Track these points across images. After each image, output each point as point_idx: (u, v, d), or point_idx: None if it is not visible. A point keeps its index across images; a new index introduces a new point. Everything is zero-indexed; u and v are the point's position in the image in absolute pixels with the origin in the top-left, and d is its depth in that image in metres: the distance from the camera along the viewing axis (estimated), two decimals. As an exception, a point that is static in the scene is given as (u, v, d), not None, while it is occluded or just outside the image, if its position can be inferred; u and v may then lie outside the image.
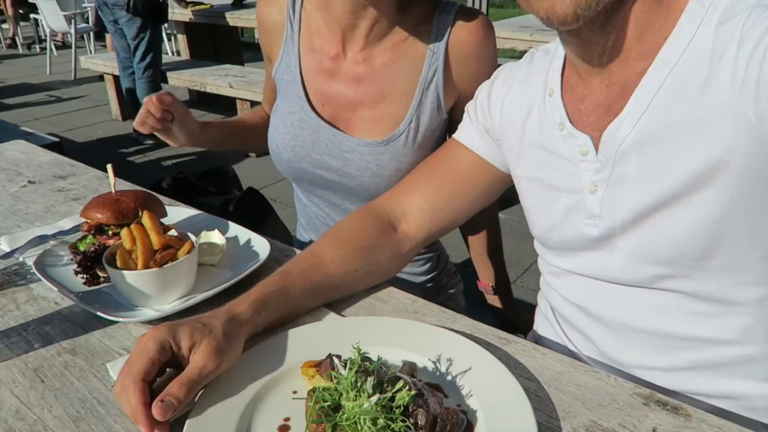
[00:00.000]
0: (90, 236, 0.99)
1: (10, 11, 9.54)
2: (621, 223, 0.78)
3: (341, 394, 0.62)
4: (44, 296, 0.94)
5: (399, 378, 0.64)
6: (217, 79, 4.55)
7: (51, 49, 8.09)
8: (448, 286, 1.37)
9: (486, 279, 1.40)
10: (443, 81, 1.12)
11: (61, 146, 3.27)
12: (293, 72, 1.20)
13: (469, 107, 1.03)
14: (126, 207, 0.98)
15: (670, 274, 0.77)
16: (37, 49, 9.64)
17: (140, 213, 0.94)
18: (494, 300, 1.41)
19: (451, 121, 1.16)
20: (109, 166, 1.04)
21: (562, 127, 0.83)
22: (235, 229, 1.10)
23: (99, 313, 0.84)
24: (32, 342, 0.83)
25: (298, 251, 1.00)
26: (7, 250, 1.06)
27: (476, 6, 5.52)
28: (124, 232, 0.89)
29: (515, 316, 1.41)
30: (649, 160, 0.74)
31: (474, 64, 1.12)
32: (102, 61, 5.56)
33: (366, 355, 0.67)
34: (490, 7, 6.43)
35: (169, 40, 7.70)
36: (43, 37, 8.98)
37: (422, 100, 1.13)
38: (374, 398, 0.60)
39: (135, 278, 0.85)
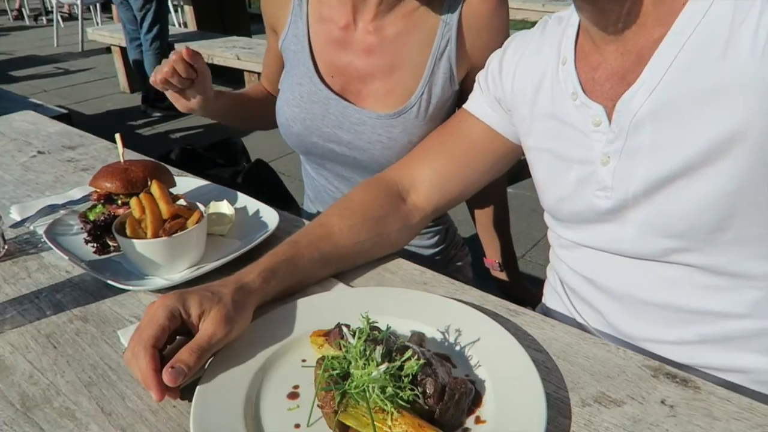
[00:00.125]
0: (99, 205, 0.99)
1: (16, -18, 9.48)
2: (633, 195, 0.77)
3: (350, 363, 0.62)
4: (55, 264, 0.94)
5: (408, 347, 0.64)
6: (224, 51, 4.51)
7: (58, 21, 8.05)
8: (456, 258, 1.37)
9: (492, 255, 1.39)
10: (456, 51, 1.10)
11: (70, 118, 3.26)
12: (301, 42, 1.18)
13: (479, 77, 1.02)
14: (135, 176, 0.98)
15: (682, 247, 0.76)
16: (44, 21, 9.58)
17: (149, 182, 0.94)
18: (501, 276, 1.41)
19: (463, 93, 1.14)
20: (117, 136, 1.03)
21: (574, 97, 0.82)
22: (244, 200, 1.09)
23: (109, 282, 0.85)
24: (44, 309, 0.83)
25: (306, 222, 1.00)
26: (18, 219, 1.07)
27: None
28: (133, 201, 0.89)
29: (522, 290, 1.41)
30: (664, 130, 0.73)
31: (487, 34, 1.10)
32: (109, 33, 5.52)
33: (375, 324, 0.67)
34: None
35: (176, 11, 7.61)
36: (50, 9, 8.91)
37: (434, 71, 1.11)
38: (383, 367, 0.60)
39: (144, 247, 0.85)
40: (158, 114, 4.94)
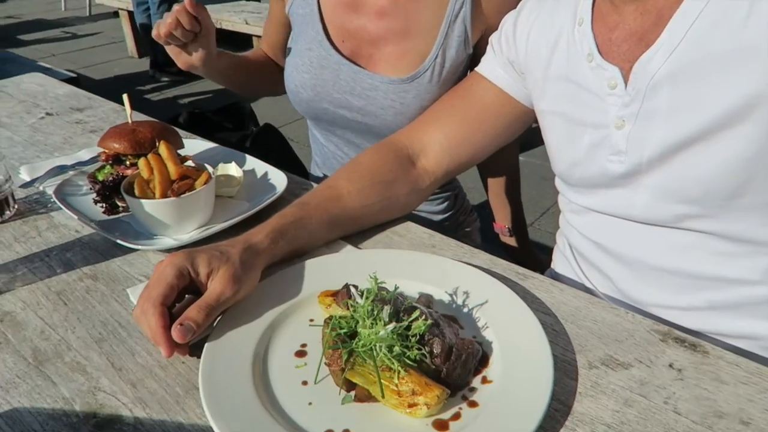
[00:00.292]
0: (108, 166, 0.99)
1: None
2: (648, 159, 0.76)
3: (357, 322, 0.63)
4: (65, 224, 0.95)
5: (415, 308, 0.64)
6: (232, 15, 4.44)
7: (65, -16, 7.96)
8: (464, 224, 1.37)
9: (502, 220, 1.39)
10: (471, 13, 1.08)
11: (78, 82, 3.25)
12: (311, 5, 1.16)
13: (493, 39, 0.99)
14: (143, 137, 0.97)
15: (697, 213, 0.75)
16: (51, -16, 9.48)
17: (157, 143, 0.94)
18: (510, 241, 1.40)
19: (476, 56, 1.12)
20: (125, 96, 1.02)
21: (590, 59, 0.80)
22: (252, 162, 1.09)
23: (119, 241, 0.85)
24: (54, 267, 0.84)
25: (315, 185, 0.99)
26: (28, 179, 1.07)
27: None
28: (141, 161, 0.89)
29: (530, 257, 1.40)
30: (682, 93, 0.71)
31: None
32: (116, -4, 5.46)
33: (383, 285, 0.67)
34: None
35: (184, -26, 7.50)
36: (57, -29, 8.80)
37: (449, 33, 1.09)
38: (390, 326, 0.60)
39: (153, 207, 0.85)
40: (166, 79, 4.91)
